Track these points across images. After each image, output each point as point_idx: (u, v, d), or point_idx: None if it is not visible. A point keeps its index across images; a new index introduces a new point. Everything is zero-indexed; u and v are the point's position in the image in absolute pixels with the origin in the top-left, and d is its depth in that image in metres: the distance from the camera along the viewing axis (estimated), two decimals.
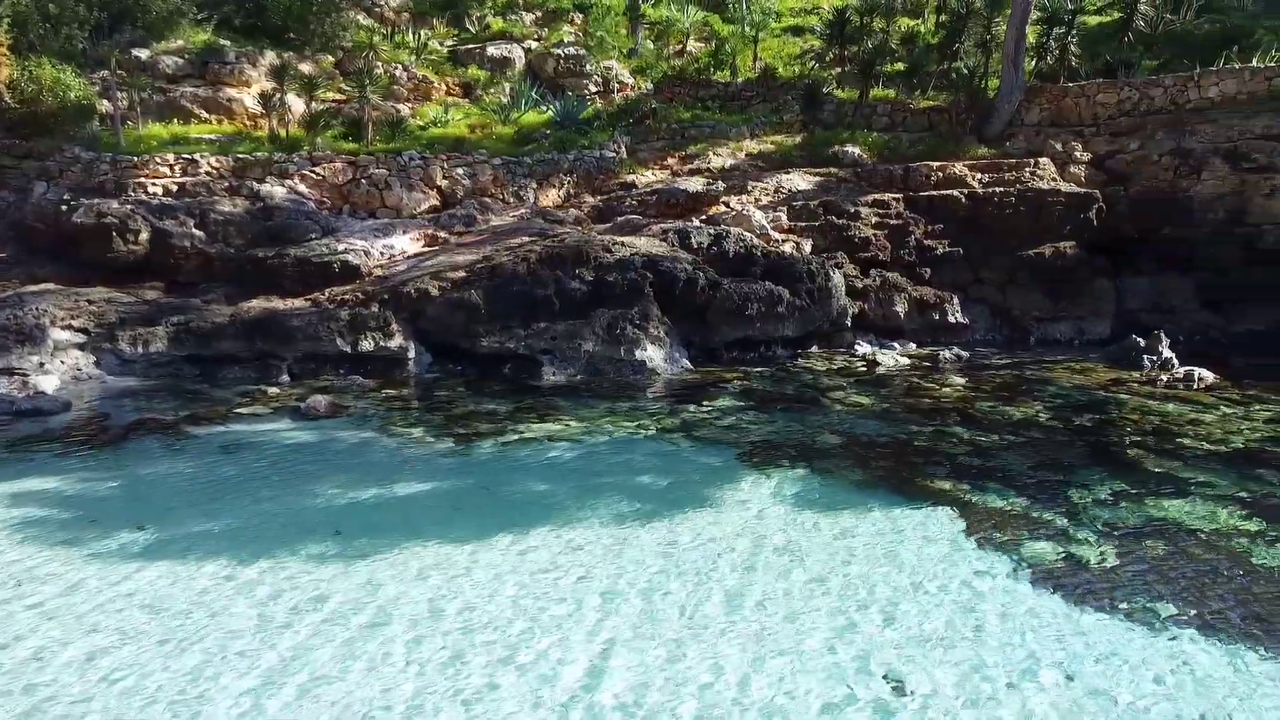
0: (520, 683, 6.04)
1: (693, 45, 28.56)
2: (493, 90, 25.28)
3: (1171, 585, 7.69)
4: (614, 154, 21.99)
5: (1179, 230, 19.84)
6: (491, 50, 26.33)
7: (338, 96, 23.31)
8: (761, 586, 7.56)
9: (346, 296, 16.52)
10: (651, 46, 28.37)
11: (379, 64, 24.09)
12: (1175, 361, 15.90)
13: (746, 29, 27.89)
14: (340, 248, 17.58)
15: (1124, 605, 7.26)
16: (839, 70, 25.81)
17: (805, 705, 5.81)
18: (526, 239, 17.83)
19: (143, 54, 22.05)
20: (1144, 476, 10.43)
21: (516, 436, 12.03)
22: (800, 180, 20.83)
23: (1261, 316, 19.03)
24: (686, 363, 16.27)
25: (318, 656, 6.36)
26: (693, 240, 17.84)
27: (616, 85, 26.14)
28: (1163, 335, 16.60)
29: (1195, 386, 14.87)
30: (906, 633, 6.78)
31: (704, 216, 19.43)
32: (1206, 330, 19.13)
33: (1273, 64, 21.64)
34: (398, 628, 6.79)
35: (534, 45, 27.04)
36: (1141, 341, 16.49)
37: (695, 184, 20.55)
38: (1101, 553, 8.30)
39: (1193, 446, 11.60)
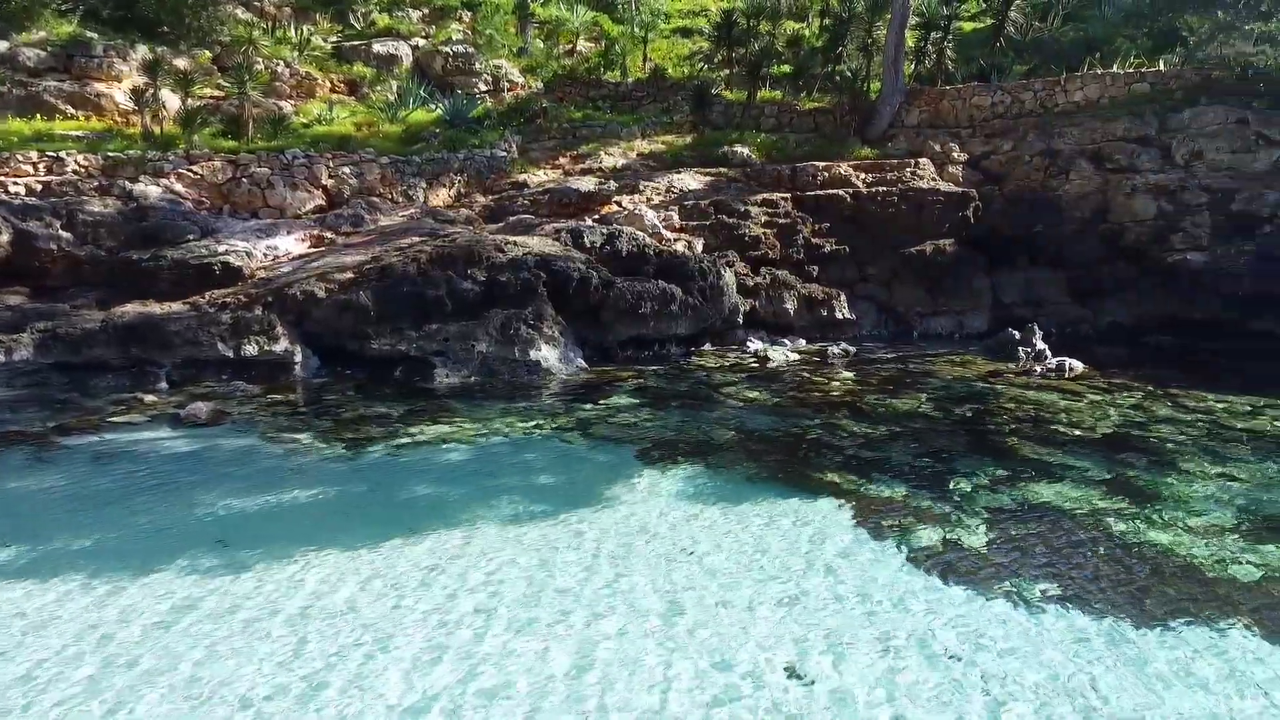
0: (395, 691, 5.96)
1: (583, 45, 28.59)
2: (379, 88, 24.79)
3: (1046, 564, 8.07)
4: (505, 153, 21.84)
5: (1049, 228, 20.81)
6: (377, 47, 25.81)
7: (215, 93, 22.50)
8: (661, 581, 7.62)
9: (228, 299, 15.96)
10: (542, 46, 28.28)
11: (259, 60, 23.33)
12: (1048, 353, 16.67)
13: (636, 30, 28.07)
14: (221, 249, 16.97)
15: (1003, 585, 7.59)
16: (727, 72, 26.21)
17: (714, 693, 5.90)
18: (417, 239, 17.55)
19: (1, 46, 20.85)
20: (1021, 462, 10.91)
21: (409, 440, 11.83)
22: (691, 180, 21.07)
23: (1124, 309, 20.13)
24: (581, 362, 16.28)
25: (199, 670, 6.14)
26: (586, 240, 17.85)
27: (507, 84, 25.96)
28: (1036, 328, 17.40)
29: (1066, 376, 15.63)
30: (803, 622, 6.94)
31: (597, 216, 19.46)
32: (1076, 323, 20.10)
33: (1130, 70, 22.91)
34: (279, 636, 6.61)
35: (421, 43, 26.62)
36: (1017, 334, 17.24)
37: (588, 183, 20.57)
38: (983, 536, 8.65)
39: (1065, 433, 12.19)
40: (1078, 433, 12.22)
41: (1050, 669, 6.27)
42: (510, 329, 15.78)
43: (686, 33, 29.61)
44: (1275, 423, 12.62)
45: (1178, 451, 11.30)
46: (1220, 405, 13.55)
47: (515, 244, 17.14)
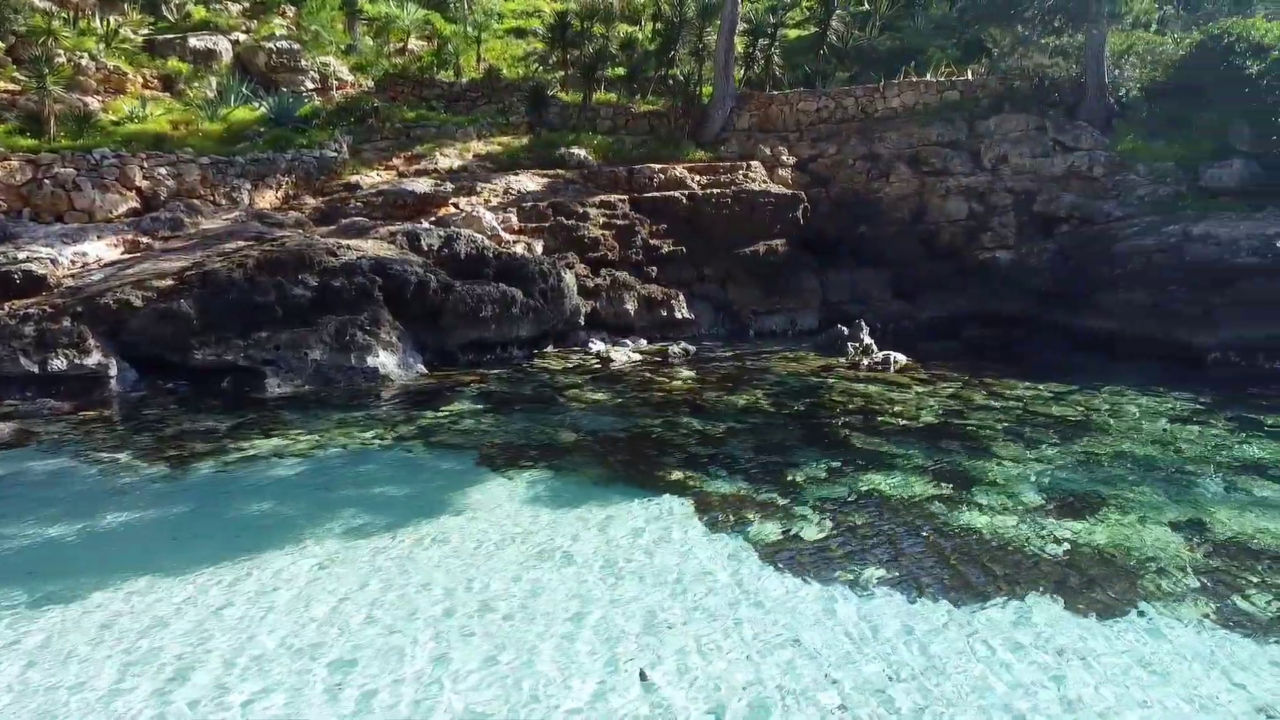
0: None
1: (415, 44, 27.99)
2: (197, 84, 23.50)
3: (878, 550, 8.50)
4: (336, 153, 21.14)
5: (873, 228, 21.87)
6: (194, 41, 24.46)
7: (10, 87, 20.79)
8: (505, 587, 7.57)
9: (31, 310, 14.77)
10: (371, 43, 27.51)
11: (60, 52, 21.71)
12: (874, 347, 17.53)
13: (469, 29, 27.71)
14: (21, 256, 15.70)
15: (838, 573, 7.94)
16: (563, 73, 26.26)
17: (564, 693, 5.91)
18: (243, 243, 16.75)
19: None
20: (852, 453, 11.44)
21: (240, 454, 11.30)
22: (529, 181, 20.99)
23: (942, 304, 21.36)
24: (421, 367, 15.97)
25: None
26: (423, 242, 17.51)
27: (335, 82, 25.12)
28: (863, 324, 18.28)
29: (892, 369, 16.49)
30: (649, 619, 7.04)
31: (434, 218, 19.12)
32: (899, 318, 21.18)
33: (942, 78, 24.35)
34: (102, 668, 6.21)
35: (242, 38, 25.40)
36: (845, 330, 18.05)
37: (423, 185, 20.17)
38: (819, 526, 9.02)
39: (891, 423, 12.86)
40: (903, 423, 12.90)
41: (886, 654, 6.60)
42: (346, 335, 15.31)
43: (521, 33, 29.46)
44: (1076, 408, 13.70)
45: (992, 437, 12.11)
46: (1029, 393, 14.59)
47: (349, 247, 16.63)
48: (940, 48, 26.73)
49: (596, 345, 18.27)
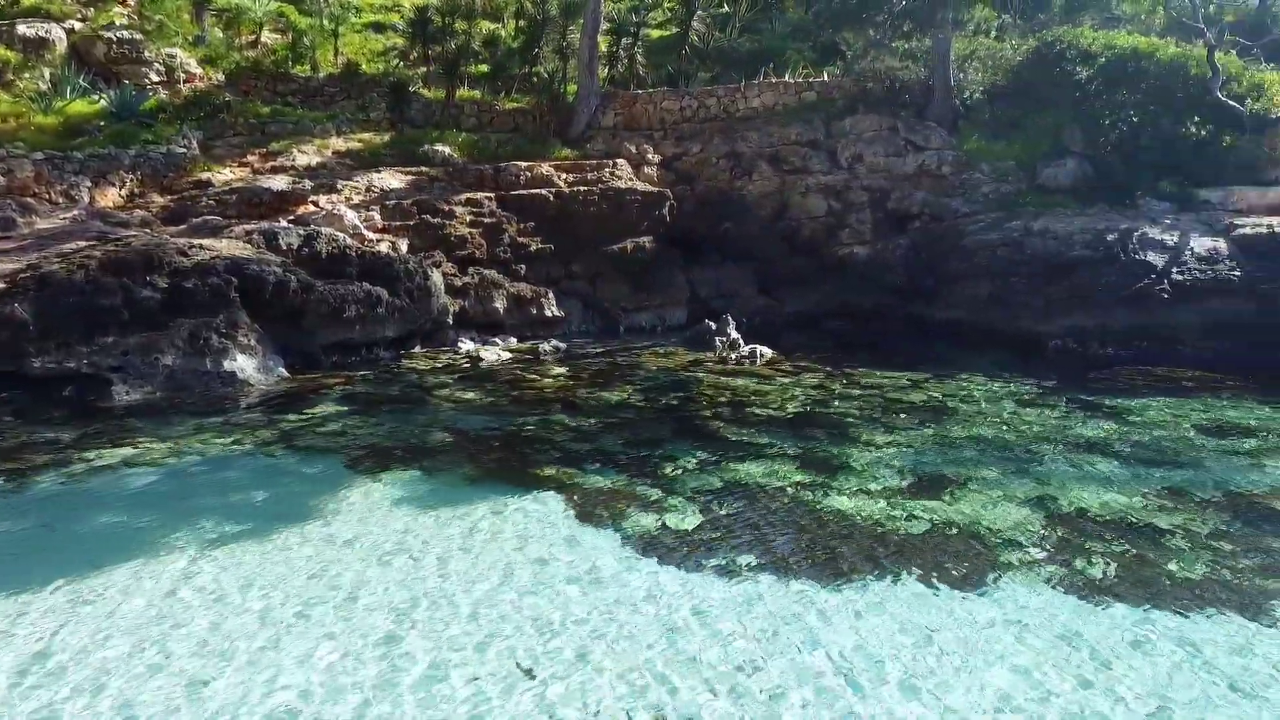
0: None
1: (268, 36, 26.95)
2: (28, 75, 21.98)
3: (751, 538, 8.71)
4: (185, 150, 20.17)
5: (737, 226, 22.35)
6: (23, 29, 22.85)
7: None
8: (378, 591, 7.41)
9: None
10: (221, 35, 26.32)
11: None
12: (741, 342, 17.92)
13: (326, 22, 26.88)
14: None
15: (713, 561, 8.10)
16: (425, 69, 25.79)
17: (451, 700, 5.83)
18: (84, 243, 15.77)
19: None
20: (723, 444, 11.67)
21: (86, 466, 10.64)
22: (392, 179, 20.54)
23: (804, 299, 21.99)
24: (283, 370, 15.41)
25: None
26: (281, 241, 16.89)
27: (183, 75, 23.93)
28: (730, 319, 18.67)
29: (758, 362, 16.90)
30: (529, 617, 7.02)
31: (292, 216, 18.46)
32: (764, 312, 21.68)
33: (800, 80, 25.08)
34: None
35: (78, 26, 23.89)
36: (713, 325, 18.39)
37: (280, 182, 19.46)
38: (692, 517, 9.16)
39: (759, 414, 13.18)
40: (771, 413, 13.25)
41: (764, 636, 6.77)
42: (200, 339, 14.63)
43: (380, 28, 28.77)
44: (931, 394, 14.36)
45: (854, 425, 12.57)
46: (887, 381, 15.20)
47: (202, 247, 15.89)
48: (798, 50, 27.54)
49: (466, 344, 18.04)
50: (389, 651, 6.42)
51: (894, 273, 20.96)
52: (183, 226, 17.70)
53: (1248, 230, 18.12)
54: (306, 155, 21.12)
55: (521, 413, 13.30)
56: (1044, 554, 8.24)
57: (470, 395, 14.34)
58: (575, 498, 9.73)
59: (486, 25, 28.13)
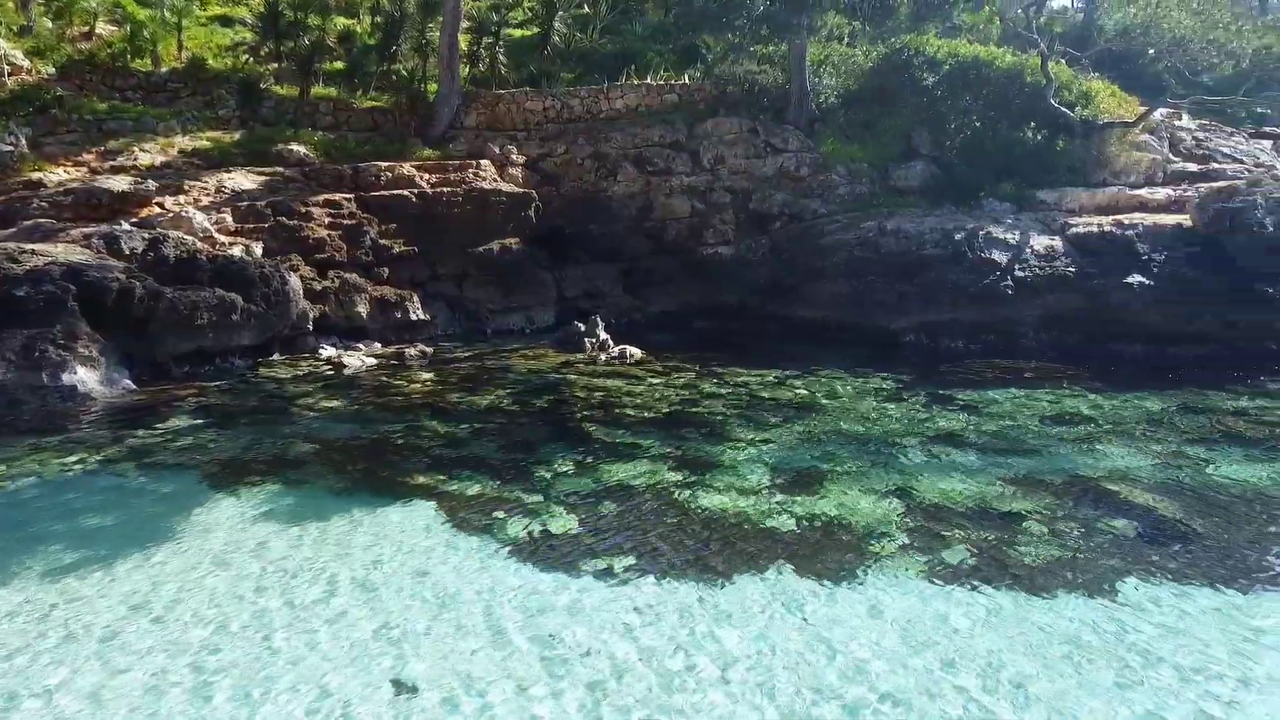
0: None
1: (104, 28, 25.38)
2: None
3: (627, 539, 8.74)
4: (12, 148, 18.79)
5: (603, 226, 22.42)
6: None
7: None
8: (243, 612, 7.09)
9: None
10: (50, 26, 24.66)
11: None
12: (611, 342, 17.97)
13: (167, 14, 25.49)
14: None
15: (590, 564, 8.09)
16: (276, 65, 24.82)
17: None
18: None
19: None
20: (596, 446, 11.67)
21: None
22: (244, 179, 19.69)
23: (672, 298, 22.25)
24: (129, 383, 14.55)
25: None
26: (124, 245, 15.96)
27: (8, 68, 22.31)
28: (599, 320, 18.69)
29: (628, 362, 16.98)
30: (402, 629, 6.85)
31: (135, 219, 17.45)
32: (631, 312, 21.83)
33: (662, 82, 25.35)
34: None
35: None
36: (582, 326, 18.38)
37: (121, 183, 18.36)
38: (568, 520, 9.13)
39: (631, 415, 13.24)
40: (642, 414, 13.33)
41: (642, 638, 6.81)
42: (35, 351, 13.66)
43: (227, 21, 27.50)
44: (796, 391, 14.74)
45: (725, 422, 12.79)
46: (754, 379, 15.52)
47: (34, 252, 14.86)
48: (659, 52, 27.81)
49: (328, 350, 17.46)
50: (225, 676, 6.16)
51: (757, 272, 21.44)
52: (12, 230, 16.51)
53: (1080, 229, 19.34)
54: (150, 154, 20.02)
55: (389, 420, 12.97)
56: (907, 543, 8.58)
57: (334, 403, 13.89)
58: (448, 505, 9.55)
59: (342, 21, 27.33)
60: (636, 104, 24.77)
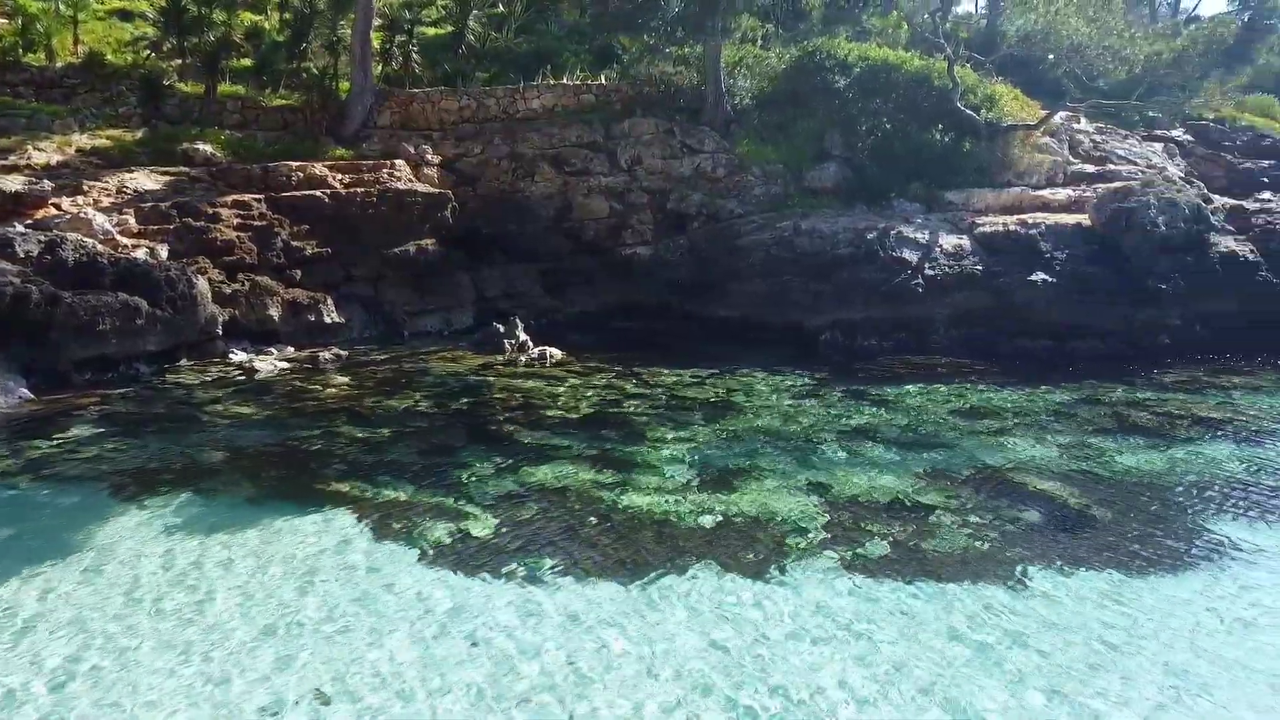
0: None
1: None
2: None
3: (550, 541, 8.74)
4: None
5: (522, 226, 22.27)
6: None
7: None
8: (155, 630, 6.88)
9: None
10: None
11: None
12: (531, 343, 17.89)
13: (62, 7, 24.51)
14: None
15: (515, 568, 8.06)
16: (180, 62, 24.04)
17: None
18: None
19: None
20: (518, 448, 11.62)
21: None
22: (148, 180, 19.01)
23: (591, 298, 22.21)
24: (26, 392, 13.94)
25: None
26: (18, 248, 15.26)
27: None
28: (518, 321, 18.59)
29: (548, 364, 16.93)
30: (329, 640, 6.73)
31: (30, 221, 16.69)
32: (551, 313, 21.71)
33: (579, 82, 25.31)
34: None
35: None
36: (501, 328, 18.25)
37: (14, 182, 17.54)
38: (490, 524, 9.08)
39: (552, 416, 13.22)
40: (563, 415, 13.31)
41: (568, 643, 6.81)
42: None
43: (127, 15, 26.54)
44: (715, 390, 14.90)
45: (645, 423, 12.86)
46: (673, 379, 15.62)
47: None
48: (575, 53, 27.75)
49: (238, 355, 16.99)
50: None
51: (676, 272, 21.56)
52: None
53: (987, 229, 19.96)
54: (45, 153, 19.18)
55: (303, 425, 12.70)
56: (826, 537, 8.76)
57: (246, 409, 13.53)
58: (367, 511, 9.41)
59: (248, 16, 26.62)
60: (553, 104, 24.68)
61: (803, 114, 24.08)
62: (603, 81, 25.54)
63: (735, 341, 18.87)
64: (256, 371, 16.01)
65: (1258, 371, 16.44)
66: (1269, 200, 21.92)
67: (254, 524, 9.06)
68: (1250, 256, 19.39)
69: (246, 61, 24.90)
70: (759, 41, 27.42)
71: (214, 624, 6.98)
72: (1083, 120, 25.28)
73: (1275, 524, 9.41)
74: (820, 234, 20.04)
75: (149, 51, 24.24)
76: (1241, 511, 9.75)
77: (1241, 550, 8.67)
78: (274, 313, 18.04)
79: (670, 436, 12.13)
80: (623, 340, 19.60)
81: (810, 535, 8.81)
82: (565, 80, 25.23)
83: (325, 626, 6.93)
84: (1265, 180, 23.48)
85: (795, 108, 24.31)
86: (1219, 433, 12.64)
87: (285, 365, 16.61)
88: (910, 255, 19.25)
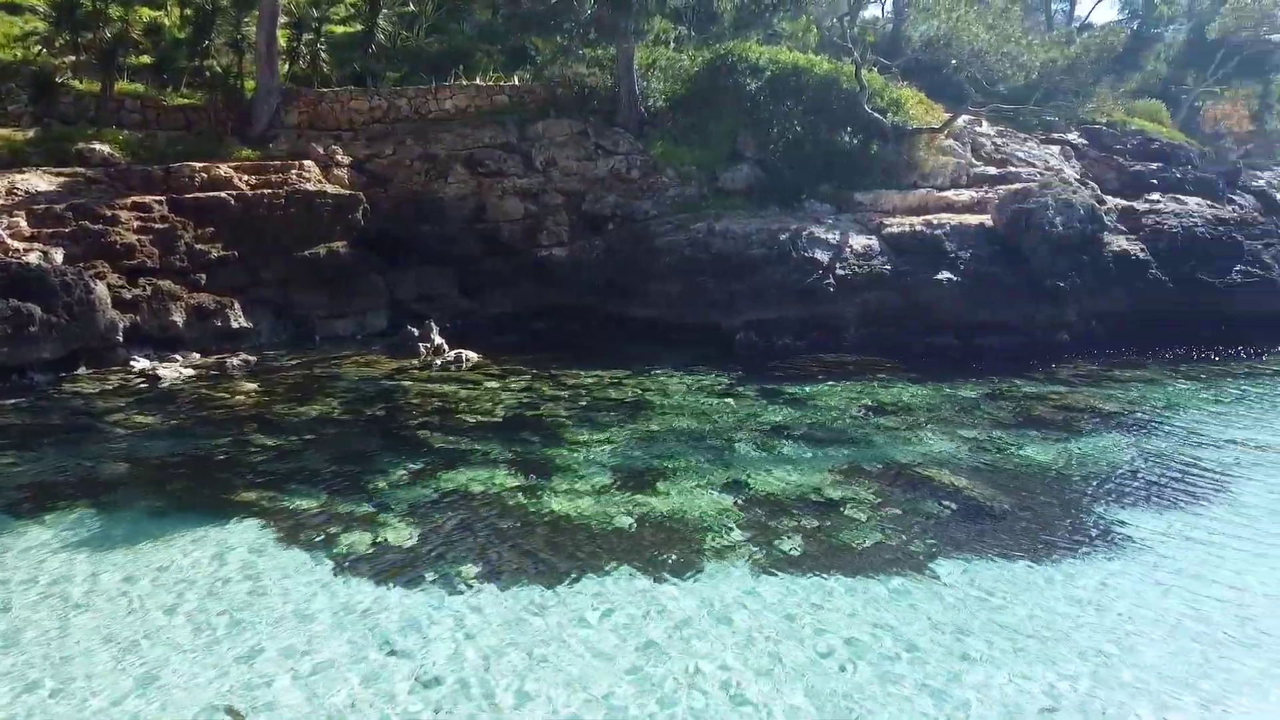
0: None
1: None
2: None
3: (470, 547, 8.68)
4: None
5: (436, 228, 22.01)
6: None
7: None
8: (48, 652, 6.62)
9: None
10: None
11: None
12: (446, 346, 17.71)
13: None
14: None
15: (435, 574, 7.99)
16: (74, 59, 23.10)
17: None
18: None
19: None
20: (434, 453, 11.50)
21: None
22: (40, 181, 18.24)
23: (508, 300, 22.06)
24: None
25: None
26: None
27: None
28: (433, 324, 18.38)
29: (464, 367, 16.79)
30: (238, 654, 6.57)
31: None
32: (467, 315, 21.48)
33: (492, 83, 25.13)
34: None
35: None
36: (416, 331, 18.02)
37: None
38: (406, 531, 8.98)
39: (469, 420, 13.12)
40: (480, 419, 13.22)
41: (488, 650, 6.78)
42: None
43: (15, 9, 25.35)
44: (632, 391, 14.97)
45: (563, 425, 12.85)
46: (591, 380, 15.65)
47: None
48: (488, 53, 27.52)
49: (140, 362, 16.42)
50: None
51: (593, 273, 21.58)
52: None
53: (894, 229, 20.48)
54: None
55: (211, 434, 12.35)
56: (742, 535, 8.90)
57: (149, 419, 13.10)
58: (279, 521, 9.22)
59: (147, 12, 25.69)
60: (466, 105, 24.45)
61: (716, 116, 24.33)
62: (516, 82, 25.41)
63: (653, 342, 18.98)
64: (160, 379, 15.52)
65: (1148, 365, 17.24)
66: (1158, 201, 22.95)
67: (158, 536, 8.79)
68: (1141, 255, 20.30)
69: (146, 59, 24.05)
70: (671, 44, 27.59)
71: (114, 641, 6.75)
72: (984, 123, 26.12)
73: (1165, 509, 9.89)
74: (734, 235, 20.29)
75: (40, 47, 23.23)
76: (1134, 499, 10.22)
77: (1133, 537, 9.08)
78: (178, 318, 17.50)
79: (588, 438, 12.15)
80: (541, 342, 19.56)
81: (727, 532, 8.94)
82: (478, 81, 25.01)
83: (231, 637, 6.77)
84: (1154, 182, 24.56)
85: (708, 109, 24.55)
86: (1113, 425, 13.22)
87: (191, 372, 16.13)
88: (822, 255, 19.62)
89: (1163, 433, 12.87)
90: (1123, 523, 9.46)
